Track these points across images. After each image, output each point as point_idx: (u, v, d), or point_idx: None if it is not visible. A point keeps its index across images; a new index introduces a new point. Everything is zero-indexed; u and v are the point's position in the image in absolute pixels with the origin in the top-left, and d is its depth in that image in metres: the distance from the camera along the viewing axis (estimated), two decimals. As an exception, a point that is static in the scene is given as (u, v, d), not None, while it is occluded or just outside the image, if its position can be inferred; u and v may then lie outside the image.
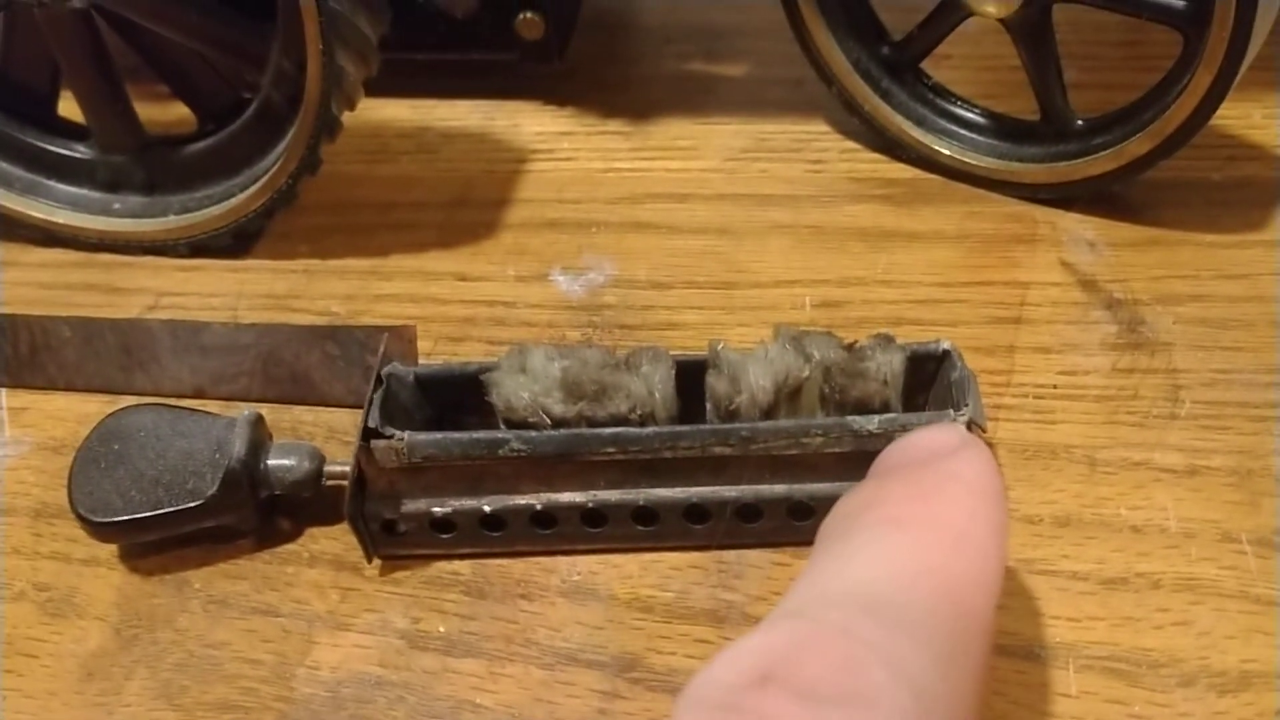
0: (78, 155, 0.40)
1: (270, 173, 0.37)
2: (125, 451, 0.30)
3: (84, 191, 0.40)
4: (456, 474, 0.29)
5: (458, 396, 0.30)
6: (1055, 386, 0.33)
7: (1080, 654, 0.27)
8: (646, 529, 0.29)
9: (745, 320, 0.36)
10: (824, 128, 0.42)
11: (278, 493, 0.30)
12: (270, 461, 0.30)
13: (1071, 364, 0.33)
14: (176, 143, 0.39)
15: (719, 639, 0.28)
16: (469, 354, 0.35)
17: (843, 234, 0.38)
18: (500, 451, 0.28)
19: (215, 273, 0.39)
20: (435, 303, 0.37)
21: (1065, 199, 0.38)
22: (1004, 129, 0.39)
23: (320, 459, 0.30)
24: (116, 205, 0.40)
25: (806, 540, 0.29)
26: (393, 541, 0.29)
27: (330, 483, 0.30)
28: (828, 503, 0.28)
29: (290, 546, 0.31)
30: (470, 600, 0.29)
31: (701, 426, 0.28)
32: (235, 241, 0.39)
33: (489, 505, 0.29)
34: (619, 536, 0.29)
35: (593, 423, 0.28)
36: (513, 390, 0.28)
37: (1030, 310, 0.35)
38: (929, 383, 0.30)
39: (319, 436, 0.34)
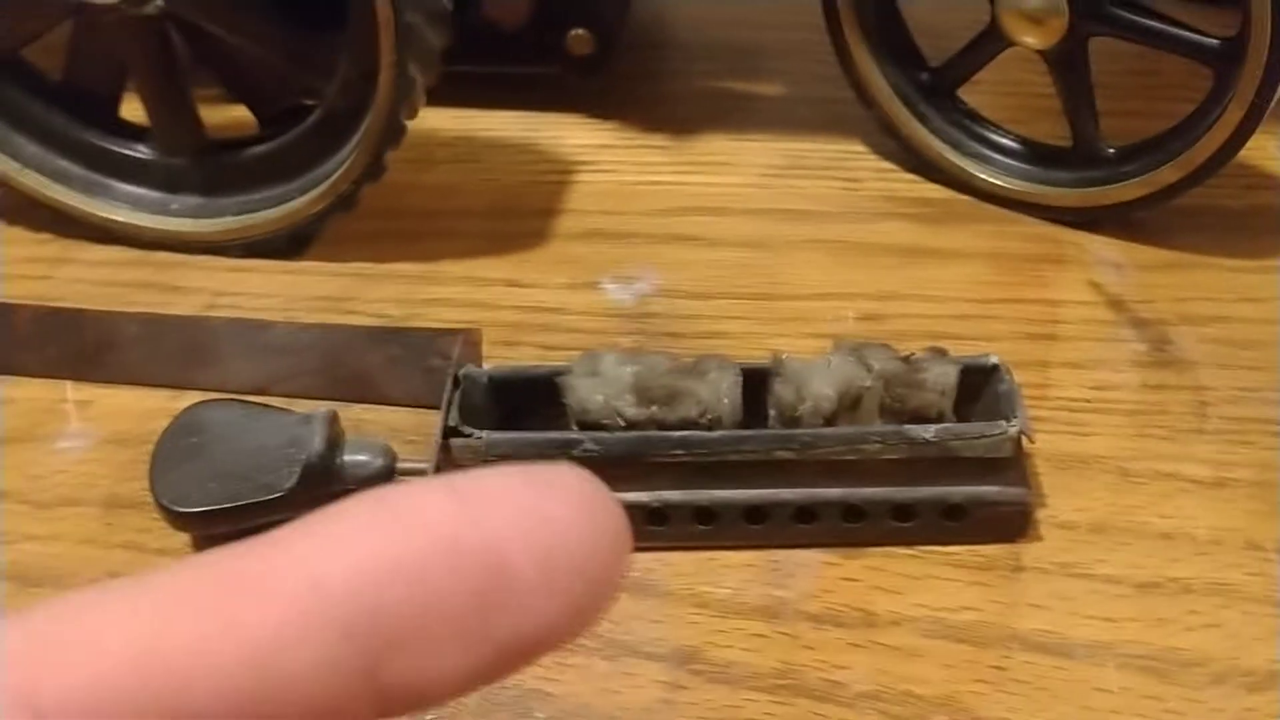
0: (138, 156, 0.41)
1: (332, 178, 0.38)
2: (203, 444, 0.31)
3: (143, 191, 0.41)
4: (526, 472, 0.30)
5: (526, 399, 0.31)
6: (1087, 400, 0.34)
7: (1117, 653, 0.28)
8: (706, 528, 0.30)
9: (785, 331, 0.37)
10: (858, 147, 0.44)
11: (350, 488, 0.31)
12: (345, 458, 0.31)
13: (1102, 379, 0.35)
14: (236, 146, 0.41)
15: (773, 633, 0.29)
16: (521, 359, 0.37)
17: (878, 250, 0.40)
18: (574, 452, 0.29)
19: (269, 274, 0.40)
20: (485, 308, 0.39)
21: (1092, 222, 0.40)
22: (1035, 154, 0.40)
23: (393, 456, 0.31)
24: (174, 205, 0.41)
25: (857, 542, 0.31)
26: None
27: (401, 479, 0.31)
28: (880, 506, 0.30)
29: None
30: (534, 593, 0.31)
31: (766, 432, 0.29)
32: (290, 244, 0.40)
33: None
34: (679, 535, 0.31)
35: (662, 426, 0.29)
36: (587, 393, 0.29)
37: (1061, 327, 0.37)
38: (975, 395, 0.31)
39: (380, 435, 0.35)
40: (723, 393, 0.29)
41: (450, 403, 0.30)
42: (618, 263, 0.40)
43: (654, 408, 0.28)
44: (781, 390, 0.29)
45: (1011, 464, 0.30)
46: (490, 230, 0.41)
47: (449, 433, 0.29)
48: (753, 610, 0.30)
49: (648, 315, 0.38)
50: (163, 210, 0.41)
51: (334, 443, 0.31)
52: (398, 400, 0.36)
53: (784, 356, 0.30)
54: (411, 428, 0.35)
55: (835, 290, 0.38)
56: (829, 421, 0.29)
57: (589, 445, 0.29)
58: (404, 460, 0.31)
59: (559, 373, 0.30)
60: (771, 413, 0.29)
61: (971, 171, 0.41)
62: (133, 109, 0.41)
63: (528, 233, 0.41)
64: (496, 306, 0.39)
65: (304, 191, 0.39)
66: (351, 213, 0.40)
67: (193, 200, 0.41)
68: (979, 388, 0.31)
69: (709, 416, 0.29)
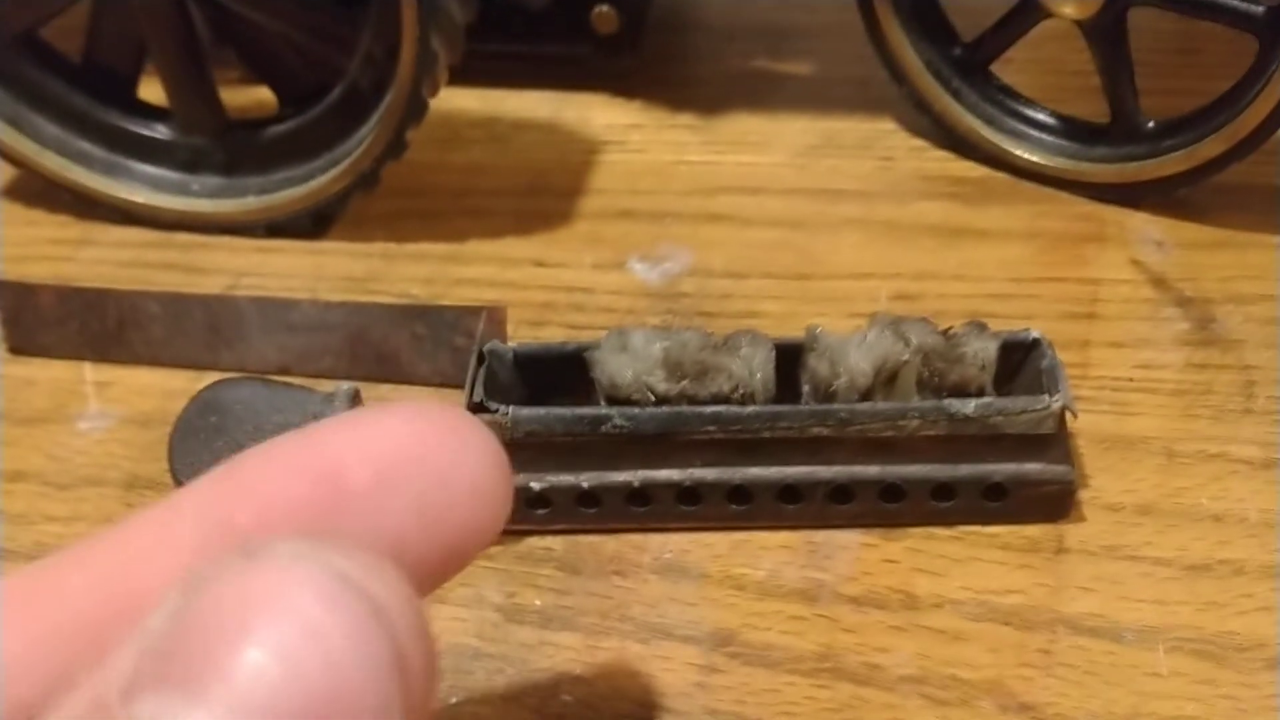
0: (158, 136, 0.40)
1: (353, 156, 0.38)
2: (223, 424, 0.30)
3: (163, 172, 0.41)
4: (555, 450, 0.29)
5: (553, 377, 0.30)
6: (1131, 380, 0.33)
7: (1168, 637, 0.27)
8: (740, 508, 0.30)
9: (822, 311, 0.36)
10: (891, 125, 0.43)
11: None
12: None
13: (1146, 359, 0.34)
14: (256, 125, 0.40)
15: (812, 615, 0.29)
16: (551, 338, 0.36)
17: (914, 230, 0.39)
18: (603, 428, 0.28)
19: (293, 254, 0.40)
20: (513, 288, 0.38)
21: (1133, 199, 0.39)
22: (1073, 130, 0.39)
23: None
24: (195, 186, 0.40)
25: (896, 522, 0.30)
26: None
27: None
28: (919, 485, 0.29)
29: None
30: (564, 575, 0.30)
31: (801, 407, 0.28)
32: (313, 224, 0.40)
33: (587, 481, 0.29)
34: (712, 515, 0.30)
35: (694, 401, 0.28)
36: (616, 368, 0.28)
37: (1103, 306, 0.36)
38: (1014, 372, 0.30)
39: (405, 415, 0.34)
40: (756, 367, 0.28)
41: (475, 380, 0.29)
42: (648, 243, 0.39)
43: (685, 382, 0.28)
44: (816, 365, 0.28)
45: (1055, 441, 0.29)
46: (517, 210, 0.41)
47: (474, 409, 0.28)
48: (791, 592, 0.29)
49: (678, 295, 0.37)
50: (183, 191, 0.40)
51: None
52: (423, 379, 0.35)
53: (818, 331, 0.29)
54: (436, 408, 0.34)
55: (871, 270, 0.38)
56: (865, 397, 0.28)
57: (618, 420, 0.28)
58: None
59: (587, 348, 0.29)
60: (806, 388, 0.29)
61: (1007, 148, 0.40)
62: (153, 90, 0.41)
63: (555, 212, 0.40)
64: (524, 286, 0.38)
65: (325, 170, 0.39)
66: (375, 192, 0.39)
67: (213, 181, 0.40)
68: (1019, 363, 0.30)
69: (742, 392, 0.28)
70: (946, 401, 0.28)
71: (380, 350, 0.35)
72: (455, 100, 0.45)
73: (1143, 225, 0.38)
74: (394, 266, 0.39)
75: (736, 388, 0.28)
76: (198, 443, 0.30)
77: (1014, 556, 0.29)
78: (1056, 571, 0.29)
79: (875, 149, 0.42)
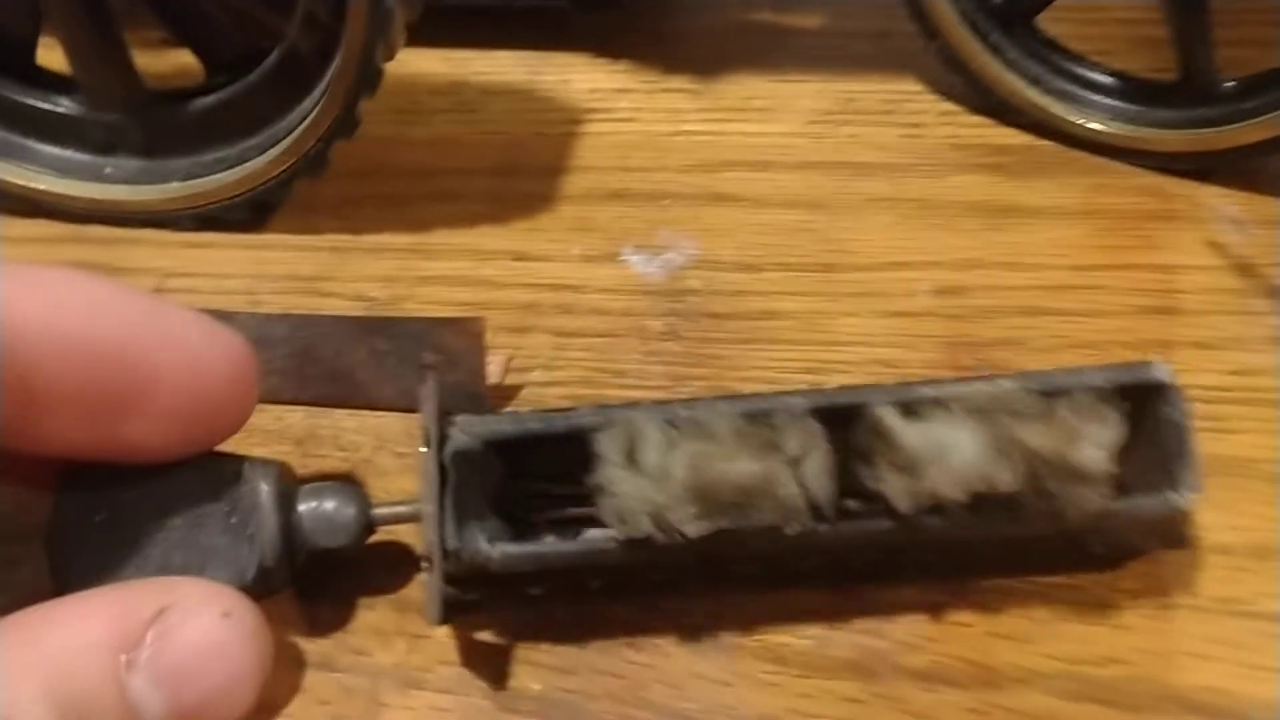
0: (62, 111, 0.34)
1: (295, 134, 0.32)
2: (115, 523, 0.24)
3: (70, 154, 0.35)
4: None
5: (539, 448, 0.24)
6: (1225, 390, 0.28)
7: (1302, 715, 0.23)
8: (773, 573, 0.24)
9: (852, 309, 0.31)
10: (916, 87, 0.37)
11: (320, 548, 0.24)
12: (304, 524, 0.24)
13: (1240, 362, 0.29)
14: (180, 97, 0.34)
15: (870, 696, 0.23)
16: (534, 347, 0.31)
17: (952, 209, 0.34)
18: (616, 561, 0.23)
19: (229, 250, 0.34)
20: (490, 286, 0.32)
21: (1204, 171, 0.34)
22: (1135, 90, 0.34)
23: (364, 506, 0.24)
24: (109, 170, 0.35)
25: (965, 572, 0.25)
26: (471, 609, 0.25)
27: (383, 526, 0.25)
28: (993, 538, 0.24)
29: (341, 583, 0.26)
30: (567, 649, 0.25)
31: (874, 528, 0.23)
32: (251, 214, 0.34)
33: (596, 581, 0.24)
34: (742, 577, 0.25)
35: (733, 535, 0.22)
36: (628, 498, 0.22)
37: (1182, 299, 0.31)
38: (1131, 413, 0.24)
39: (366, 447, 0.29)
40: (809, 481, 0.22)
41: (443, 505, 0.22)
42: (644, 229, 0.34)
43: (723, 520, 0.22)
44: (892, 476, 0.22)
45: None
46: (494, 192, 0.35)
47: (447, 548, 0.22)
48: (842, 667, 0.24)
49: (683, 292, 0.32)
50: (96, 176, 0.34)
51: (286, 500, 0.24)
52: (386, 402, 0.29)
53: (888, 419, 0.22)
54: (400, 435, 0.29)
55: (906, 258, 0.32)
56: (950, 518, 0.22)
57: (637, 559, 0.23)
58: (382, 506, 0.24)
59: (579, 430, 0.23)
60: (874, 482, 0.23)
61: (1056, 112, 0.34)
62: (56, 56, 0.34)
63: (535, 195, 0.35)
64: (502, 284, 0.32)
65: (264, 150, 0.33)
66: (323, 175, 0.33)
67: (131, 163, 0.34)
68: (1139, 410, 0.24)
69: (794, 521, 0.22)
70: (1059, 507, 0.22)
71: (333, 368, 0.29)
72: (415, 63, 0.39)
73: (1216, 200, 0.33)
74: (348, 263, 0.33)
75: (787, 517, 0.22)
76: (86, 557, 0.23)
77: (1110, 616, 0.24)
78: (1162, 634, 0.24)
79: (900, 114, 0.37)
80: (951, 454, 0.22)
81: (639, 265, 0.33)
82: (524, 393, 0.30)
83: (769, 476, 0.22)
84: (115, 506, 0.22)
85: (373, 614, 0.26)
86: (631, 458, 0.22)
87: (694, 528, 0.22)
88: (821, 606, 0.25)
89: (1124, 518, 0.23)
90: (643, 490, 0.22)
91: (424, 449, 0.23)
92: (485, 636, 0.25)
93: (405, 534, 0.26)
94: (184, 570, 0.22)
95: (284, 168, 0.33)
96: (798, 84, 0.38)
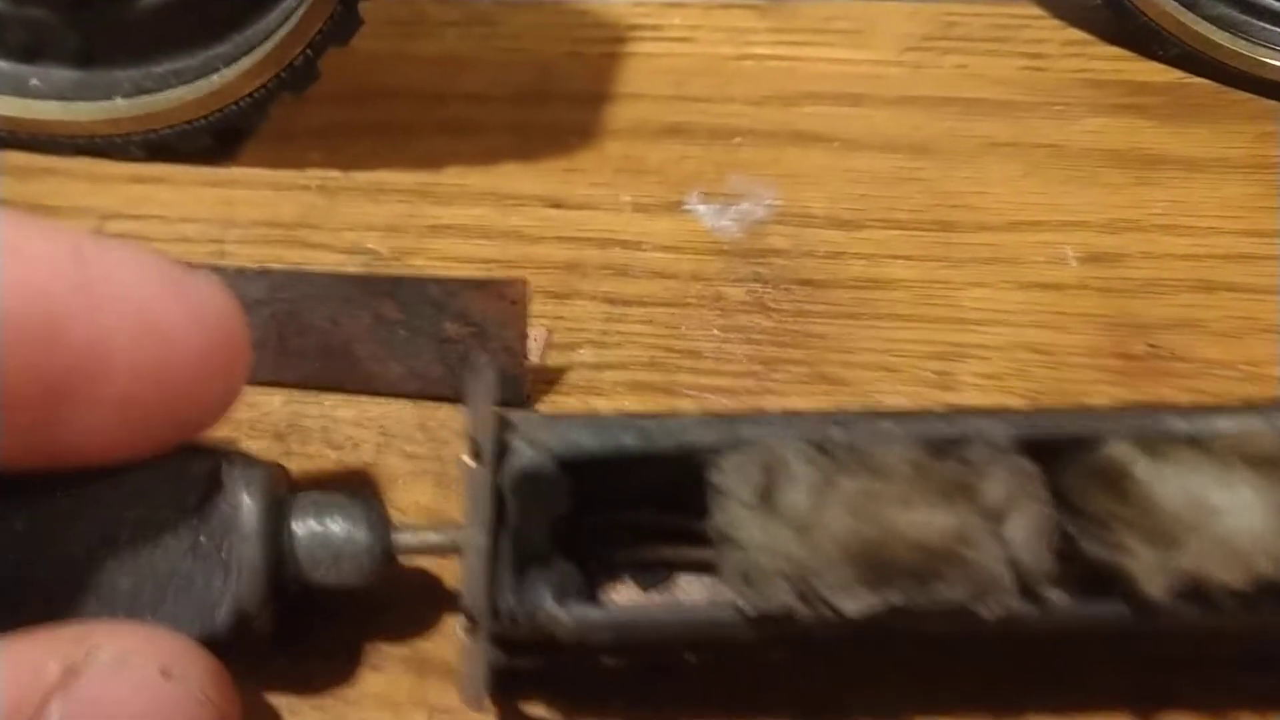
0: (-23, 6, 0.27)
1: (276, 40, 0.25)
2: (44, 535, 0.17)
3: (-13, 61, 0.27)
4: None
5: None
6: None
7: None
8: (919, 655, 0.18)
9: (980, 277, 0.25)
10: (1032, 10, 0.31)
11: (324, 585, 0.18)
12: (299, 551, 0.17)
13: None
14: (127, -8, 0.27)
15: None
16: (580, 318, 0.24)
17: (1091, 158, 0.27)
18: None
19: (187, 187, 0.27)
20: (519, 240, 0.26)
21: (1397, 116, 0.27)
22: (1314, 16, 0.28)
23: (382, 529, 0.18)
24: (35, 81, 0.28)
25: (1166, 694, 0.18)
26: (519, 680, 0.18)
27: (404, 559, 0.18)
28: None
29: (339, 629, 0.19)
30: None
31: (1099, 618, 0.16)
32: (216, 141, 0.27)
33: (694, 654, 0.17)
34: (894, 665, 0.18)
35: (903, 615, 0.16)
36: (760, 553, 0.16)
37: (1391, 274, 0.24)
38: None
39: (367, 444, 0.22)
40: (1019, 550, 0.16)
41: (496, 535, 0.16)
42: (710, 173, 0.27)
43: (894, 593, 0.15)
44: (1137, 546, 0.16)
45: None
46: (518, 122, 0.28)
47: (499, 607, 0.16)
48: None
49: (765, 252, 0.25)
50: (18, 90, 0.28)
51: (276, 517, 0.17)
52: (392, 385, 0.23)
53: (1133, 454, 0.16)
54: (412, 428, 0.22)
55: (1041, 216, 0.26)
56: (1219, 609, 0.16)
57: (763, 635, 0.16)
58: (404, 530, 0.18)
59: (691, 450, 0.16)
60: (1106, 561, 0.16)
61: (1215, 40, 0.28)
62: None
63: (574, 127, 0.28)
64: (534, 237, 0.26)
65: (233, 59, 0.26)
66: (308, 95, 0.26)
67: (63, 74, 0.28)
68: None
69: (991, 599, 0.16)
70: None
71: (326, 341, 0.22)
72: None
73: None
74: (338, 206, 0.27)
75: (982, 594, 0.16)
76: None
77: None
78: None
79: (1016, 43, 0.30)
80: (1224, 519, 0.15)
81: (708, 217, 0.26)
82: (569, 377, 0.23)
83: (961, 534, 0.15)
84: (41, 515, 0.16)
85: (381, 677, 0.19)
86: (765, 494, 0.16)
87: (853, 603, 0.15)
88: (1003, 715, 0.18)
89: None
90: (781, 543, 0.15)
91: (471, 462, 0.16)
92: (535, 712, 0.18)
93: (426, 559, 0.19)
94: (132, 603, 0.16)
95: (259, 82, 0.26)
96: (887, 2, 0.31)
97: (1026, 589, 0.16)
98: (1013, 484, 0.16)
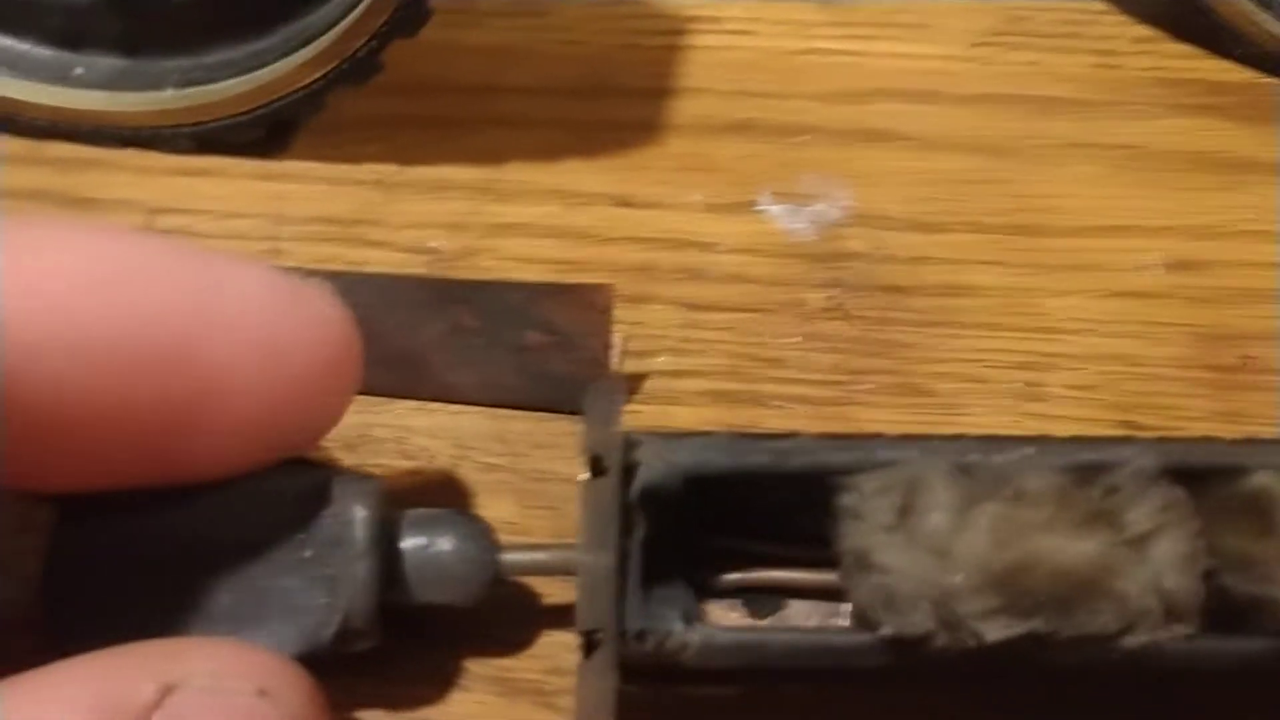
0: (18, -9, 0.26)
1: (338, 31, 0.24)
2: (145, 550, 0.17)
3: (27, 48, 0.26)
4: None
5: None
6: None
7: None
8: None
9: (1065, 285, 0.24)
10: (1099, 5, 0.30)
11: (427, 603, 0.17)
12: (408, 569, 0.17)
13: None
14: (176, -23, 0.26)
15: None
16: (657, 324, 0.23)
17: (1171, 161, 0.27)
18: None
19: (237, 180, 0.26)
20: (587, 240, 0.25)
21: None
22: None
23: (489, 548, 0.17)
24: (79, 70, 0.26)
25: None
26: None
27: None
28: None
29: (427, 655, 0.19)
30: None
31: (1247, 654, 0.16)
32: (267, 135, 0.26)
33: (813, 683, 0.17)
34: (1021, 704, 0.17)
35: (1044, 642, 0.15)
36: (904, 578, 0.15)
37: None
38: None
39: (442, 455, 0.21)
40: (1164, 571, 0.15)
41: (625, 553, 0.15)
42: (781, 172, 0.26)
43: (1037, 620, 0.15)
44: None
45: None
46: (579, 117, 0.27)
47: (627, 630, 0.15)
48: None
49: (844, 256, 0.25)
50: (61, 78, 0.26)
51: (386, 533, 0.17)
52: (465, 394, 0.22)
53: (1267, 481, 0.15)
54: (489, 440, 0.21)
55: (1125, 221, 0.25)
56: None
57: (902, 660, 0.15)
58: (513, 550, 0.17)
59: (824, 470, 0.16)
60: (1252, 594, 0.15)
61: (1294, 43, 0.27)
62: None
63: (637, 123, 0.27)
64: (603, 238, 0.25)
65: (289, 51, 0.25)
66: (366, 86, 0.25)
67: (109, 63, 0.26)
68: None
69: (1140, 633, 0.15)
70: None
71: (398, 347, 0.22)
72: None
73: None
74: (397, 202, 0.26)
75: (1128, 627, 0.15)
76: (96, 591, 0.16)
77: None
78: None
79: (1085, 38, 0.29)
80: None
81: (782, 218, 0.25)
82: (648, 385, 0.22)
83: (1107, 563, 0.15)
84: (141, 531, 0.16)
85: (469, 697, 0.18)
86: (904, 517, 0.15)
87: (995, 629, 0.15)
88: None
89: None
90: (923, 567, 0.15)
91: (585, 475, 0.15)
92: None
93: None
94: (233, 619, 0.16)
95: (318, 75, 0.25)
96: (951, -3, 0.30)
97: (1173, 620, 0.15)
98: (1160, 512, 0.15)
